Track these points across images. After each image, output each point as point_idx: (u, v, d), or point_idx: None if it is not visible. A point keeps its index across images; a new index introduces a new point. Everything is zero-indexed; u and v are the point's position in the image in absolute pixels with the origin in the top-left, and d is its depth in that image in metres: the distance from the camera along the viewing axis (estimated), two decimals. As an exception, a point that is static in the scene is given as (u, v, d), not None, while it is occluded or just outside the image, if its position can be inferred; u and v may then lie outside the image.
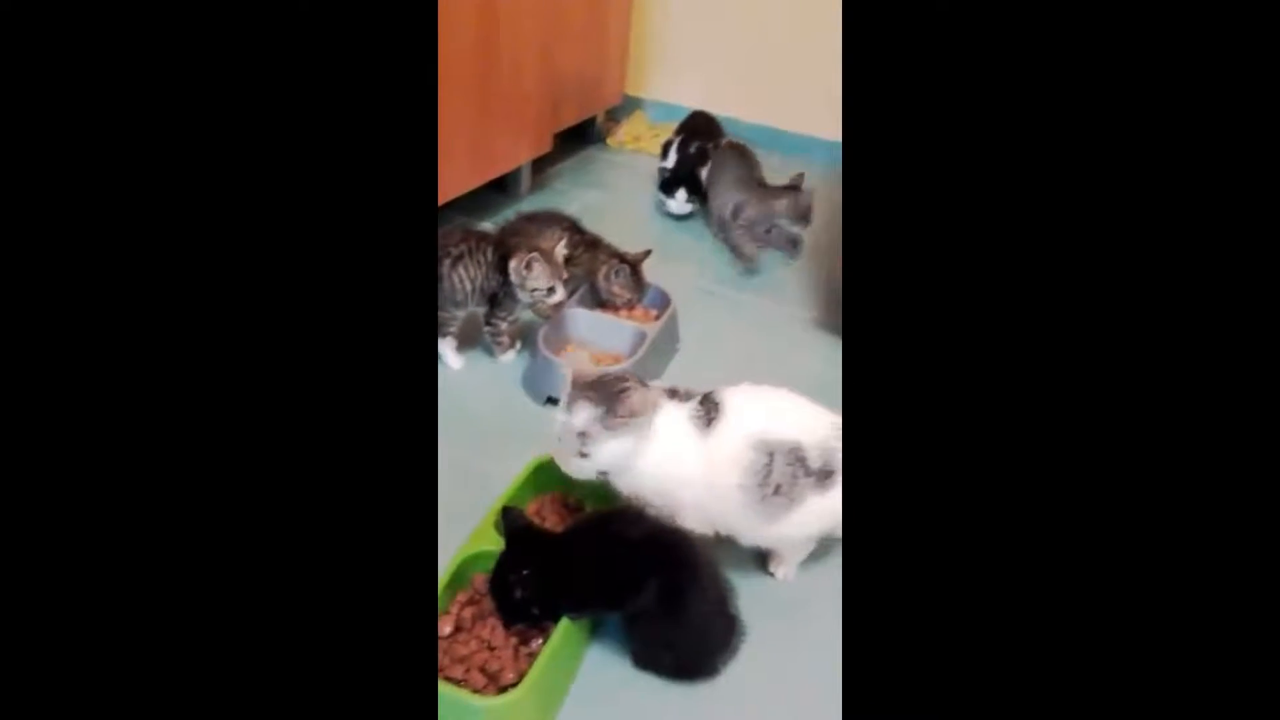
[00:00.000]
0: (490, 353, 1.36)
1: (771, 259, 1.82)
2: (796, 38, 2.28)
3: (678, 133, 2.05)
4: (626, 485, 0.89)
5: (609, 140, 2.39)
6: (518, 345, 1.37)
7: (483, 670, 0.79)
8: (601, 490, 0.92)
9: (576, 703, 0.82)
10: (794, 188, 1.67)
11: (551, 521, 0.97)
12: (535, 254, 1.21)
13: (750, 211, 1.67)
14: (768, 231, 1.70)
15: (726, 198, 1.72)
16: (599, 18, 2.08)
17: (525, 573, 0.79)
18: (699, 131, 2.03)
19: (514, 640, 0.82)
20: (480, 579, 0.87)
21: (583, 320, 1.37)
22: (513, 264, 1.23)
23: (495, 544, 0.85)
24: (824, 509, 0.88)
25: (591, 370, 0.89)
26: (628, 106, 2.50)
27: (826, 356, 1.47)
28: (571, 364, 1.27)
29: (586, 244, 1.44)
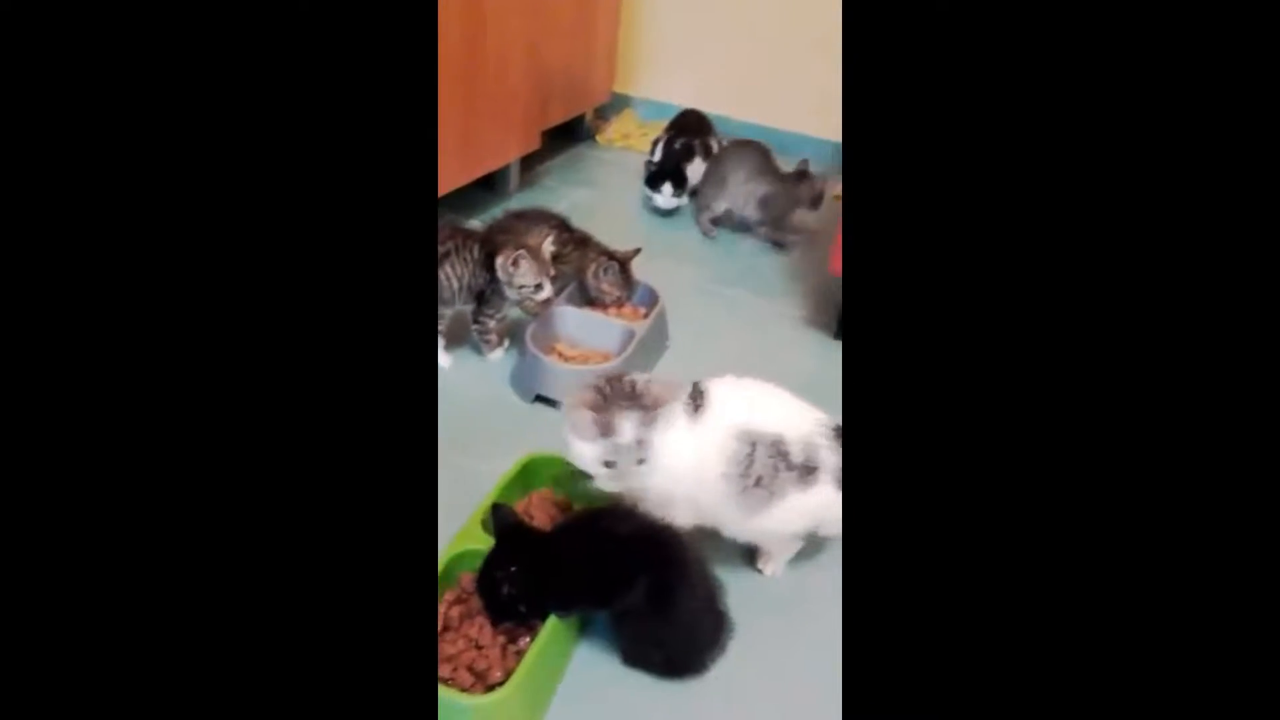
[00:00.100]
0: (478, 351, 1.35)
1: (764, 260, 1.83)
2: (786, 36, 2.28)
3: (668, 130, 2.05)
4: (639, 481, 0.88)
5: (598, 138, 2.39)
6: (506, 343, 1.36)
7: (470, 669, 0.78)
8: (590, 488, 0.92)
9: (565, 701, 0.82)
10: (805, 174, 1.76)
11: (540, 519, 0.96)
12: (522, 251, 1.21)
13: (780, 200, 1.76)
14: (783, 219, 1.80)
15: (750, 188, 1.78)
16: (587, 15, 2.08)
17: (512, 570, 0.79)
18: (688, 129, 2.03)
19: (502, 639, 0.82)
20: (468, 578, 0.86)
21: (571, 318, 1.37)
22: (499, 261, 1.22)
23: (483, 543, 0.85)
24: (806, 506, 0.87)
25: (587, 393, 0.85)
26: (617, 104, 2.50)
27: (816, 354, 1.47)
28: (556, 373, 1.27)
29: (575, 242, 1.44)
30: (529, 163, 2.03)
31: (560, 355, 1.32)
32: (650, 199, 1.94)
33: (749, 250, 1.86)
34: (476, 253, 1.25)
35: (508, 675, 0.75)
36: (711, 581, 0.85)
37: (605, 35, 2.22)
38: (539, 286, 1.23)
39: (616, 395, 0.84)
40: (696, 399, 0.87)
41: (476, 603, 0.83)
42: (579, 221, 1.48)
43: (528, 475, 1.00)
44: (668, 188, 1.89)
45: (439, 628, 0.82)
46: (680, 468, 0.85)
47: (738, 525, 0.91)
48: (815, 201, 1.77)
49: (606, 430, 0.82)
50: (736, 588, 0.89)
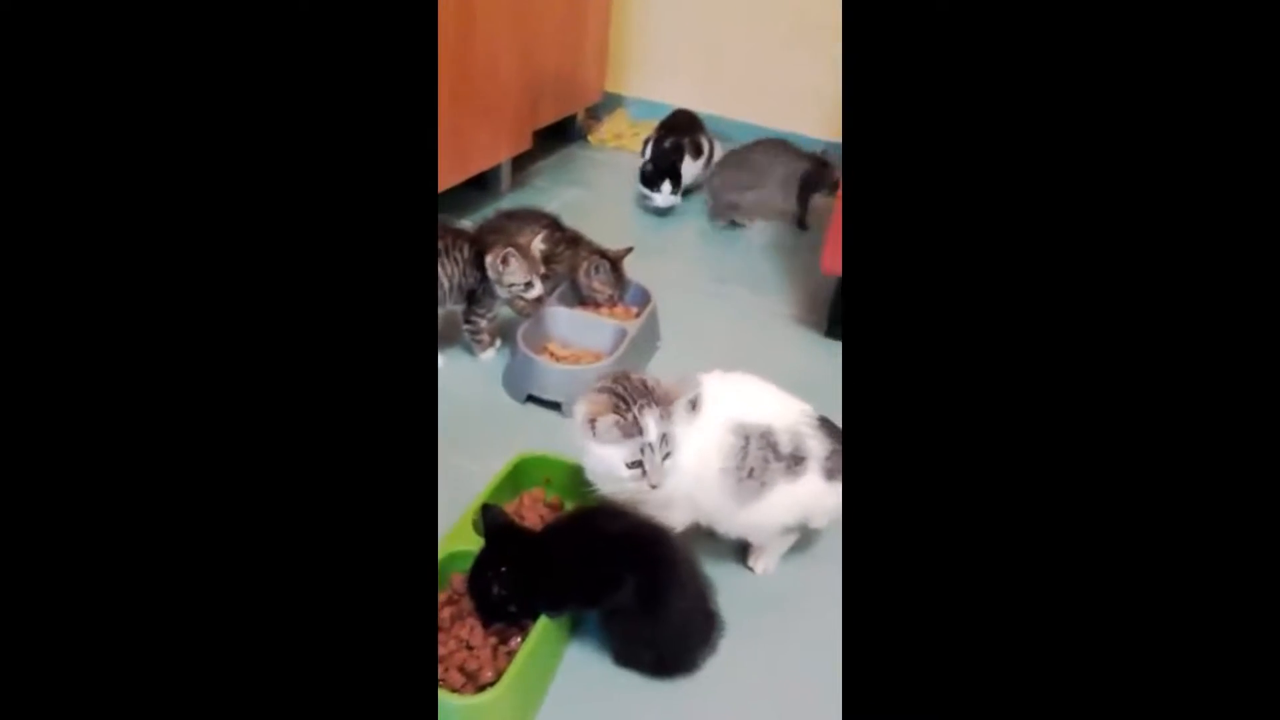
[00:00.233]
0: (470, 351, 1.35)
1: (756, 259, 1.83)
2: (778, 34, 2.28)
3: (658, 130, 2.05)
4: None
5: (590, 138, 2.39)
6: (498, 343, 1.36)
7: (461, 669, 0.78)
8: (581, 488, 0.92)
9: (556, 701, 0.81)
10: (825, 161, 1.88)
11: (531, 520, 0.96)
12: (511, 249, 1.21)
13: (815, 179, 1.87)
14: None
15: (792, 169, 1.87)
16: (577, 14, 2.08)
17: (503, 570, 0.79)
18: (678, 128, 2.03)
19: (493, 639, 0.82)
20: (458, 578, 0.86)
21: (562, 318, 1.37)
22: (489, 259, 1.22)
23: (473, 543, 0.84)
24: (795, 496, 0.88)
25: (602, 396, 0.83)
26: (609, 104, 2.50)
27: (808, 352, 1.47)
28: (548, 373, 1.26)
29: (567, 241, 1.44)
30: (521, 162, 2.02)
31: (552, 355, 1.31)
32: (648, 199, 1.94)
33: (740, 249, 1.87)
34: (467, 252, 1.25)
35: (499, 675, 0.75)
36: (702, 580, 0.85)
37: (596, 35, 2.22)
38: (529, 284, 1.23)
39: (634, 394, 0.82)
40: (693, 399, 0.87)
41: (467, 603, 0.83)
42: (571, 221, 1.48)
43: (519, 475, 1.00)
44: (667, 186, 1.89)
45: (430, 628, 0.82)
46: (682, 465, 0.85)
47: (732, 520, 0.91)
48: (834, 187, 1.85)
49: (631, 430, 0.81)
50: (727, 586, 0.89)
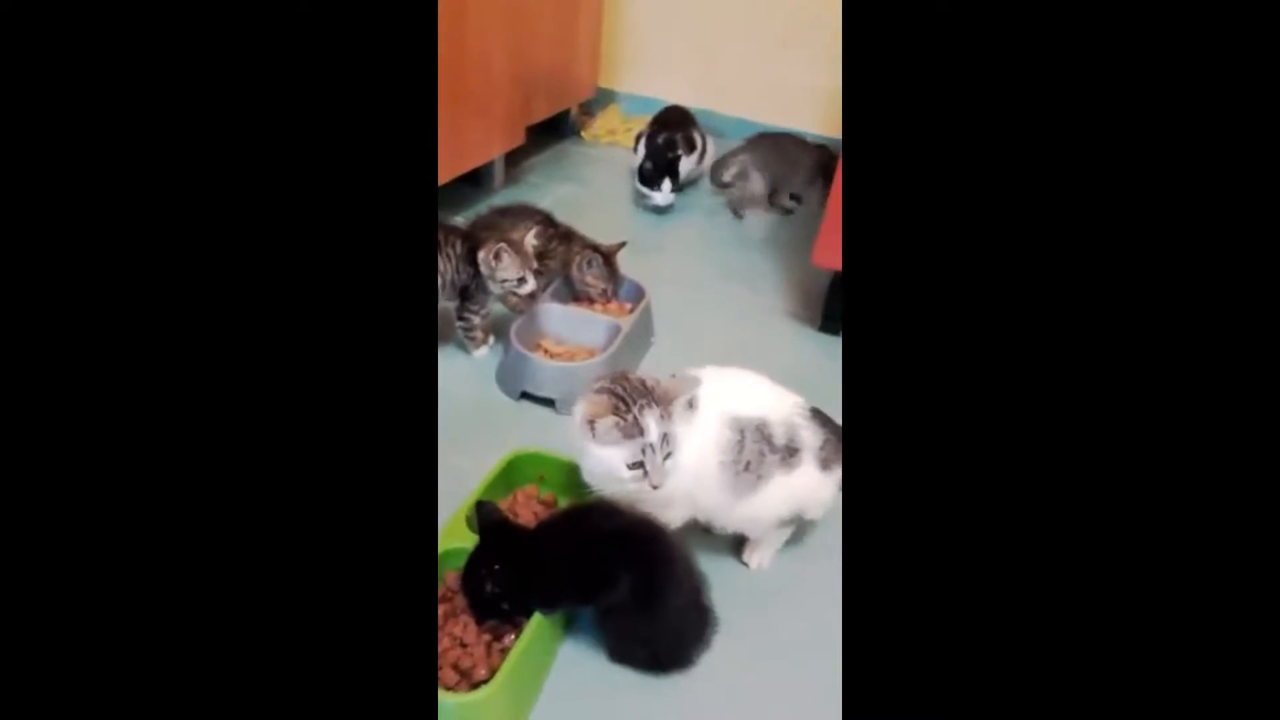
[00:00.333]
0: (464, 349, 1.34)
1: (750, 255, 1.83)
2: (772, 31, 2.28)
3: (651, 125, 2.05)
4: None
5: (583, 133, 2.38)
6: (491, 340, 1.36)
7: (455, 667, 0.78)
8: (578, 488, 0.91)
9: (551, 698, 0.81)
10: (833, 153, 1.95)
11: (525, 517, 0.96)
12: (503, 244, 1.20)
13: (830, 166, 1.91)
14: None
15: (809, 159, 1.95)
16: (570, 10, 2.07)
17: (495, 568, 0.79)
18: (670, 124, 2.03)
19: (487, 637, 0.81)
20: (452, 576, 0.86)
21: (556, 314, 1.36)
22: (481, 255, 1.22)
23: (467, 541, 0.84)
24: (791, 487, 0.88)
25: (601, 397, 0.82)
26: (602, 99, 2.49)
27: (801, 347, 1.47)
28: (543, 370, 1.26)
29: (560, 236, 1.43)
30: (514, 159, 2.02)
31: (546, 352, 1.31)
32: (646, 198, 1.93)
33: (734, 244, 1.86)
34: (460, 248, 1.24)
35: (493, 673, 0.75)
36: (696, 577, 0.85)
37: (589, 30, 2.21)
38: (522, 280, 1.23)
39: (634, 394, 0.82)
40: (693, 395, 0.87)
41: (461, 601, 0.82)
42: (565, 217, 1.48)
43: (512, 472, 0.99)
44: (667, 185, 1.89)
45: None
46: (682, 463, 0.85)
47: (729, 514, 0.91)
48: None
49: (631, 431, 0.80)
50: (721, 582, 0.89)
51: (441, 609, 0.84)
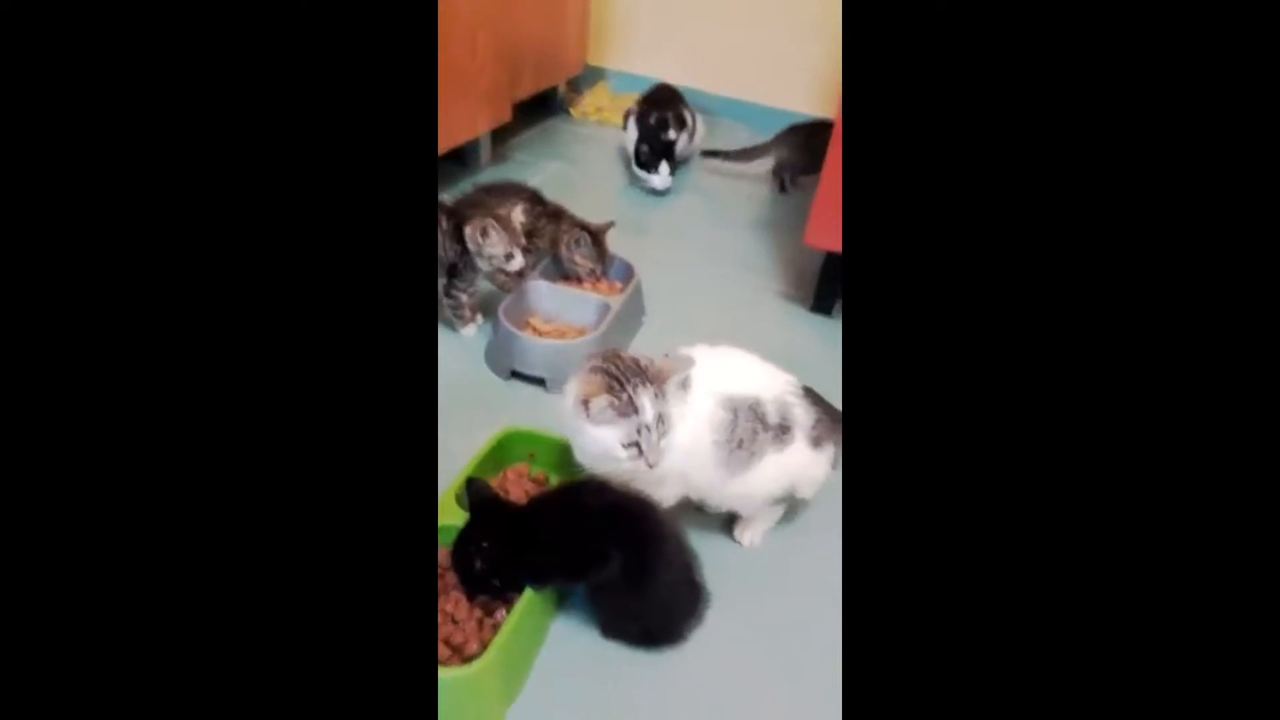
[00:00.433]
0: (452, 327, 1.33)
1: (742, 235, 1.82)
2: (763, 8, 2.25)
3: (640, 104, 2.02)
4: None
5: (572, 111, 2.35)
6: (479, 319, 1.34)
7: (446, 643, 0.77)
8: (570, 468, 0.91)
9: (543, 673, 0.81)
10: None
11: (515, 495, 0.95)
12: (490, 220, 1.19)
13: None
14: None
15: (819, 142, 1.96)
16: (558, -16, 2.03)
17: (485, 544, 0.78)
18: (660, 103, 2.00)
19: (478, 612, 0.81)
20: (443, 552, 0.85)
21: (545, 293, 1.35)
22: (468, 231, 1.20)
23: (457, 518, 0.84)
24: (783, 466, 0.88)
25: (595, 376, 0.81)
26: (590, 77, 2.46)
27: (793, 327, 1.47)
28: (532, 348, 1.25)
29: (548, 215, 1.42)
30: (501, 136, 1.99)
31: (535, 330, 1.30)
32: (643, 180, 1.90)
33: (726, 224, 1.85)
34: (446, 225, 1.23)
35: (484, 648, 0.75)
36: (687, 553, 0.85)
37: (577, 5, 2.17)
38: (509, 256, 1.21)
39: (627, 373, 0.81)
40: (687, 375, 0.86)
41: (452, 578, 0.82)
42: (554, 195, 1.46)
43: (502, 450, 0.99)
44: (665, 167, 1.87)
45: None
46: (676, 442, 0.84)
47: (723, 492, 0.90)
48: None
49: (626, 410, 0.79)
50: (713, 559, 0.89)
51: (432, 586, 0.83)
